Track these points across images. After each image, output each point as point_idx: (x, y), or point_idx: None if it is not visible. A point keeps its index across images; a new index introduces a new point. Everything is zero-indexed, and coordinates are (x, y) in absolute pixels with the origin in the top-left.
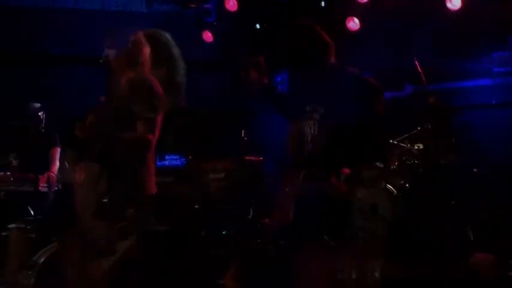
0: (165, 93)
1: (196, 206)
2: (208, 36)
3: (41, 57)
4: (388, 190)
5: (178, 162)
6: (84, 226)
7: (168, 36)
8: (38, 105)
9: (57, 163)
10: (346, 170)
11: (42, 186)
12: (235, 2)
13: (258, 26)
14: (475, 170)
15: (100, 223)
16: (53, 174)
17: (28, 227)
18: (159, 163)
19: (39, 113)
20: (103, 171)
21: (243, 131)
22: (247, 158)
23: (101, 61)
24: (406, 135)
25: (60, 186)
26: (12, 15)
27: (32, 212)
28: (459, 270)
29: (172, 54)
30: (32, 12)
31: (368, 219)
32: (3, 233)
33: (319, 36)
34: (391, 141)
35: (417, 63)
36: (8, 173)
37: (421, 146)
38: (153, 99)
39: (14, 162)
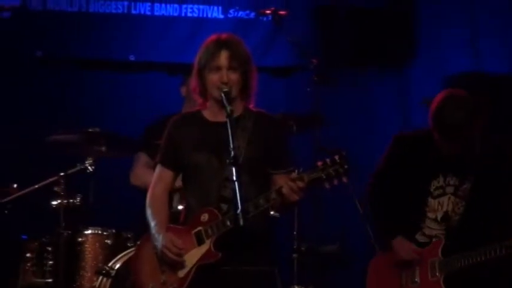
0: (239, 97)
1: (272, 212)
2: None
3: (116, 64)
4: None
5: None
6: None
7: (241, 40)
8: None
9: None
10: None
11: None
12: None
13: None
14: None
15: (171, 233)
16: None
17: (104, 233)
18: None
19: None
20: (177, 176)
21: None
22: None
23: (225, 90)
24: None
25: None
26: (88, 22)
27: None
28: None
29: (247, 58)
30: (106, 19)
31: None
32: (79, 239)
33: None
34: None
35: None
36: None
37: None
38: None
39: (90, 169)
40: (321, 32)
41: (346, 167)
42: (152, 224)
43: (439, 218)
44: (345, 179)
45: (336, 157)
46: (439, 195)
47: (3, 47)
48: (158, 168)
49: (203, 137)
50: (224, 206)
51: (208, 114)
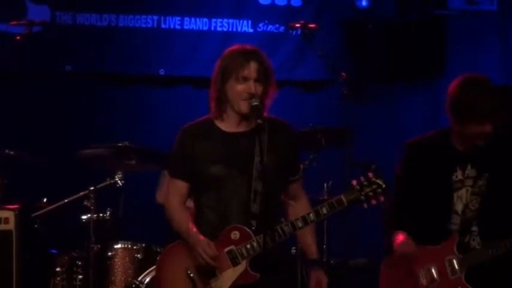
0: (262, 106)
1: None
2: None
3: (146, 78)
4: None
5: None
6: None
7: (265, 53)
8: None
9: None
10: None
11: None
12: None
13: None
14: None
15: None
16: None
17: (134, 247)
18: None
19: None
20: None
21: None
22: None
23: (255, 103)
24: None
25: None
26: (118, 36)
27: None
28: None
29: (271, 72)
30: (136, 33)
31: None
32: (109, 253)
33: None
34: None
35: None
36: None
37: None
38: None
39: (120, 183)
40: (351, 46)
41: (384, 186)
42: (186, 234)
43: (459, 211)
44: (382, 198)
45: (371, 176)
46: (458, 189)
47: (33, 62)
48: (172, 180)
49: (221, 149)
50: (254, 222)
51: (223, 125)
